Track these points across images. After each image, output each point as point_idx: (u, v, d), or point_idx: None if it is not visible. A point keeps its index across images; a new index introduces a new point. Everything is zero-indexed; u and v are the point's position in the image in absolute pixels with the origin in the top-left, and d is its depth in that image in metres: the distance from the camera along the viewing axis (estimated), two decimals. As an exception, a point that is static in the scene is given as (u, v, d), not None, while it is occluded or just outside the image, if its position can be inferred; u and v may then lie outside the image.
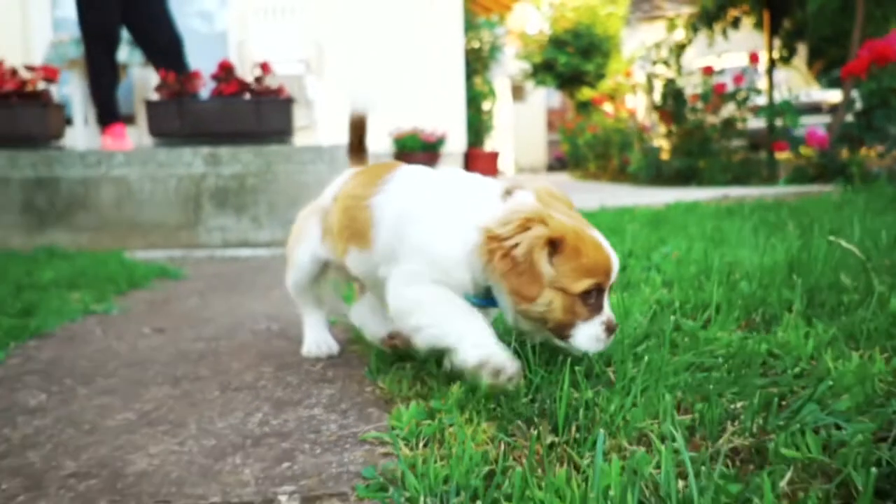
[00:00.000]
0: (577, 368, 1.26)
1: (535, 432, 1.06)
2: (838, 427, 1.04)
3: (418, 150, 7.93)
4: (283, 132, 4.48)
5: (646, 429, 1.09)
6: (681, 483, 0.90)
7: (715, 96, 7.15)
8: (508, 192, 1.35)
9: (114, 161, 4.19)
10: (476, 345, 1.26)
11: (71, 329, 2.18)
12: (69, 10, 8.09)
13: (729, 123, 7.16)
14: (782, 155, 7.17)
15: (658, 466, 0.95)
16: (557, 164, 17.67)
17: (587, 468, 0.98)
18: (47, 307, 2.36)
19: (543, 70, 14.44)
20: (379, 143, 8.20)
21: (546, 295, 1.26)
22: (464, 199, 1.37)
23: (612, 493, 0.85)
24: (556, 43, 14.26)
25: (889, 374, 1.20)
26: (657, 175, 7.96)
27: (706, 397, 1.15)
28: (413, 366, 1.54)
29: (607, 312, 1.31)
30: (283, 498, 1.03)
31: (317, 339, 1.78)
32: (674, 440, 0.95)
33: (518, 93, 17.80)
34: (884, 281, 1.59)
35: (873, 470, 0.81)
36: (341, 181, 1.69)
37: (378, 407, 1.38)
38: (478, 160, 9.07)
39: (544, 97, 19.26)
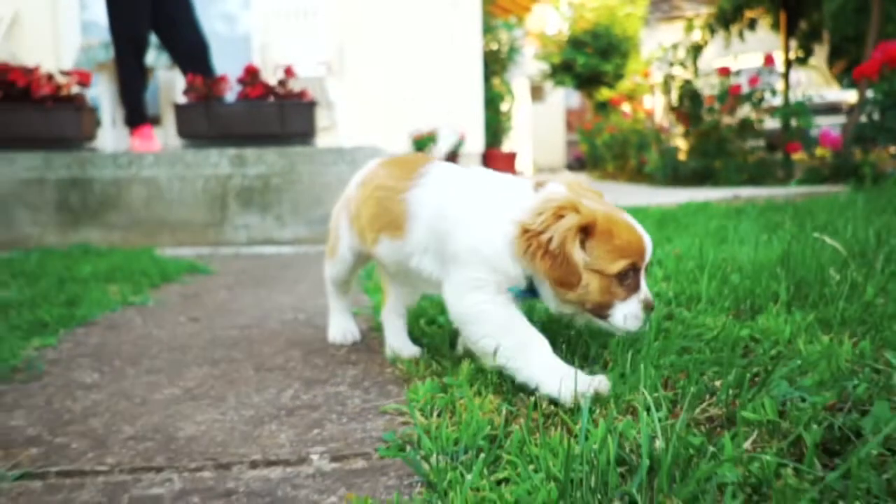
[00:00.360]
0: (576, 352, 1.42)
1: (534, 400, 1.22)
2: (803, 400, 1.19)
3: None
4: (305, 134, 4.66)
5: (633, 401, 1.25)
6: (657, 443, 1.05)
7: (730, 97, 7.25)
8: (540, 185, 1.42)
9: (144, 162, 4.39)
10: (566, 386, 1.26)
11: (112, 318, 2.37)
12: (96, 14, 8.35)
13: (745, 124, 7.26)
14: (799, 155, 7.25)
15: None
16: (576, 164, 17.75)
17: (579, 432, 1.13)
18: (89, 298, 2.55)
19: (562, 71, 14.56)
20: (398, 143, 8.37)
21: (584, 278, 1.32)
22: (500, 194, 1.43)
23: (595, 446, 1.01)
24: (575, 44, 14.38)
25: (854, 355, 1.34)
26: (674, 175, 8.06)
27: (690, 375, 1.31)
28: (429, 350, 1.70)
29: (644, 291, 1.37)
30: (314, 457, 1.19)
31: (342, 328, 1.94)
32: (648, 410, 1.10)
33: (537, 93, 17.93)
34: (862, 273, 1.73)
35: (816, 427, 0.96)
36: (367, 170, 1.74)
37: (397, 384, 1.54)
38: (495, 160, 9.22)
39: (563, 97, 19.38)
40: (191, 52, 5.36)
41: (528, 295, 1.42)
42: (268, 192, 4.40)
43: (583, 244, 1.32)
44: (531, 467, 1.01)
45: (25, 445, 1.27)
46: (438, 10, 8.83)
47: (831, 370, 1.27)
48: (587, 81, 14.42)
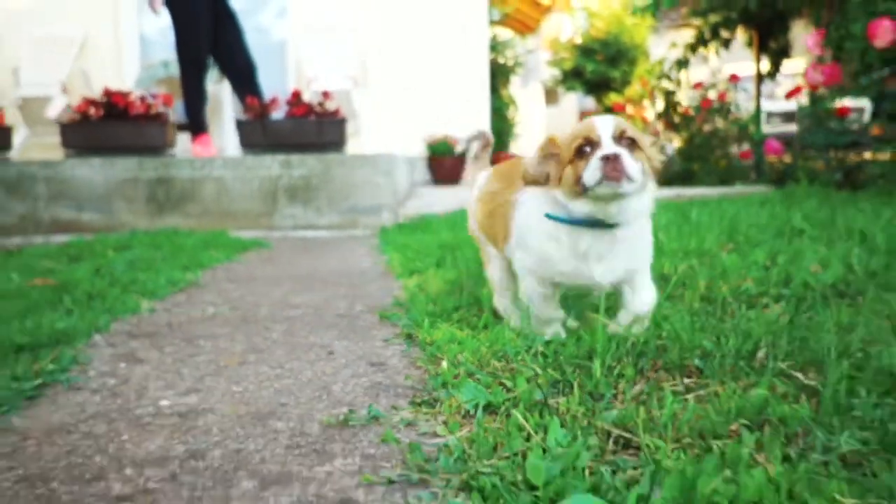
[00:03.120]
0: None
1: (461, 286, 2.71)
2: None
3: (448, 154, 9.58)
4: (338, 143, 6.18)
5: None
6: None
7: (703, 109, 8.69)
8: None
9: (214, 165, 5.93)
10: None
11: (223, 267, 3.88)
12: (150, 29, 9.94)
13: (716, 133, 8.70)
14: (771, 159, 8.63)
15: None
16: (589, 165, 19.09)
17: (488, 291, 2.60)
18: (203, 256, 4.07)
19: (572, 76, 16.02)
20: (414, 147, 9.88)
21: (566, 171, 1.70)
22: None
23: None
24: (585, 51, 15.83)
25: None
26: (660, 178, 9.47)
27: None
28: (417, 274, 3.19)
29: (603, 150, 1.63)
30: (358, 307, 2.70)
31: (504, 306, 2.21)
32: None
33: (552, 96, 19.41)
34: (666, 237, 3.20)
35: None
36: (482, 183, 2.27)
37: (399, 284, 3.04)
38: (501, 162, 10.72)
39: (577, 100, 20.83)
40: (241, 72, 6.91)
41: (580, 221, 1.73)
42: (309, 189, 5.92)
43: (555, 153, 1.74)
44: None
45: (222, 304, 2.79)
46: (451, 29, 10.34)
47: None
48: (596, 87, 15.86)
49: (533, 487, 1.07)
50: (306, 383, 1.74)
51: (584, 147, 1.65)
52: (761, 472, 1.00)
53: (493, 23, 11.14)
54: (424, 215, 5.72)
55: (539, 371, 1.62)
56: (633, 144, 1.66)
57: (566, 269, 1.80)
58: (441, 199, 6.89)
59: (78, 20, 9.48)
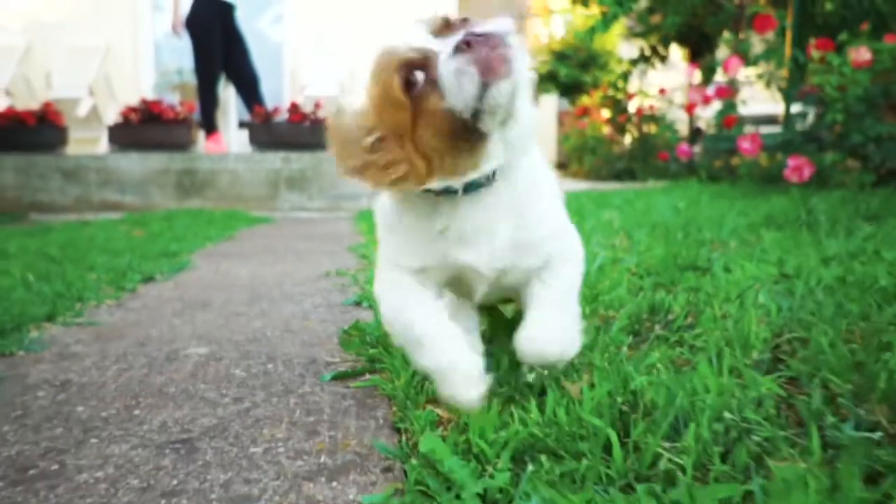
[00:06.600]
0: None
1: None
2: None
3: (423, 152, 11.60)
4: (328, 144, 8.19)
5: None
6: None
7: (637, 117, 10.76)
8: None
9: (229, 159, 7.95)
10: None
11: (246, 231, 5.90)
12: (161, 34, 11.85)
13: (647, 137, 10.78)
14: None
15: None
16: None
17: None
18: (230, 224, 6.08)
19: (548, 80, 18.03)
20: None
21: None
22: None
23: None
24: (560, 56, 17.85)
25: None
26: (609, 174, 11.53)
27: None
28: (377, 232, 5.22)
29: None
30: (337, 248, 4.73)
31: None
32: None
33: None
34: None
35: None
36: None
37: (362, 238, 5.06)
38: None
39: (556, 101, 22.82)
40: (247, 83, 8.92)
41: None
42: (304, 180, 7.94)
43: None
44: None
45: (255, 245, 4.82)
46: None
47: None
48: (569, 90, 17.89)
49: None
50: (309, 268, 3.79)
51: (409, 76, 1.22)
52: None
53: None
54: (394, 201, 7.74)
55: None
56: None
57: (429, 254, 1.38)
58: (410, 190, 8.92)
59: (101, 31, 11.47)
